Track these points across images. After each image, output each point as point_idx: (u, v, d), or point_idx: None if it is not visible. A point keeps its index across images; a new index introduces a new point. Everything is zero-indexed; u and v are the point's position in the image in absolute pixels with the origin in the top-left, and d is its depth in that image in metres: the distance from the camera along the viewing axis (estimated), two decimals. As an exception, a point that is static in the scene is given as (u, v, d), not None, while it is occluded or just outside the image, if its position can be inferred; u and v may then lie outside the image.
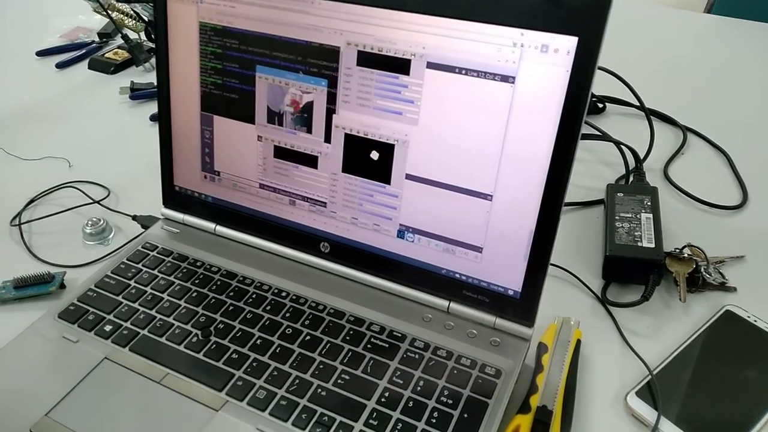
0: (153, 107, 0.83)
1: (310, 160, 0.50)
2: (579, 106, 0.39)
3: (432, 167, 0.45)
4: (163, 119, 0.55)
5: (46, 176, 0.69)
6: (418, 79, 0.43)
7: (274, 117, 0.50)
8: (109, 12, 0.93)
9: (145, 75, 0.92)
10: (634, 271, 0.53)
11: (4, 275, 0.55)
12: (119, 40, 0.98)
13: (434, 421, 0.41)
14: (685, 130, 0.74)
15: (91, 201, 0.65)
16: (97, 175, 0.69)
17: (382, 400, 0.42)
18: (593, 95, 0.78)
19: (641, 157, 0.68)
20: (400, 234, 0.48)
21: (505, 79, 0.41)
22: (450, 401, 0.42)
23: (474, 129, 0.43)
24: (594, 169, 0.68)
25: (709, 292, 0.53)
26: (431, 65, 0.43)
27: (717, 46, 0.97)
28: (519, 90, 0.41)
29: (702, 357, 0.47)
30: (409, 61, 0.43)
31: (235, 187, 0.54)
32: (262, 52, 0.48)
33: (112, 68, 0.93)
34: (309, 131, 0.49)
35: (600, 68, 0.80)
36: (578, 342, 0.48)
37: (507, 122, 0.42)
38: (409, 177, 0.46)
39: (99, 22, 1.03)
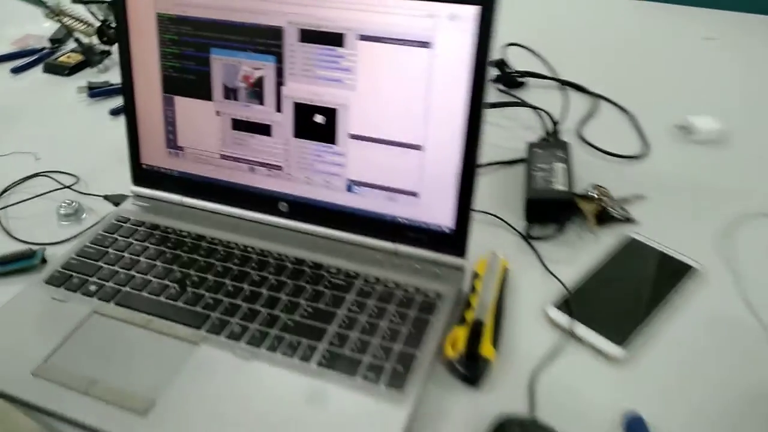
0: (111, 103, 0.88)
1: (265, 129, 0.57)
2: (485, 63, 0.47)
3: (371, 126, 0.53)
4: (128, 103, 0.61)
5: (15, 169, 0.73)
6: (353, 50, 0.51)
7: (230, 93, 0.56)
8: (61, 18, 0.97)
9: (100, 75, 0.97)
10: (550, 210, 0.62)
11: (-14, 256, 0.60)
12: (71, 45, 1.02)
13: (387, 337, 0.48)
14: (596, 96, 0.84)
15: (62, 186, 0.70)
16: (65, 166, 0.74)
17: (342, 324, 0.50)
18: (515, 71, 0.87)
19: (556, 121, 0.77)
20: (349, 188, 0.56)
21: (423, 45, 0.49)
22: (399, 320, 0.50)
23: (403, 90, 0.51)
24: (517, 134, 0.77)
25: (616, 225, 0.62)
26: (363, 37, 0.50)
27: (623, 24, 1.08)
28: (436, 54, 0.49)
29: (608, 274, 0.56)
30: (343, 35, 0.51)
31: (198, 159, 0.61)
32: (215, 36, 0.55)
33: (67, 71, 0.97)
34: (261, 103, 0.56)
35: (520, 45, 0.89)
36: (506, 270, 0.56)
37: (429, 82, 0.50)
38: (352, 136, 0.54)
39: (48, 29, 1.07)
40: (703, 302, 0.54)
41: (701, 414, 0.45)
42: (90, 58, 0.97)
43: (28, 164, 0.75)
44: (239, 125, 0.57)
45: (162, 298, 0.53)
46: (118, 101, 0.88)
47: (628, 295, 0.54)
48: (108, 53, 0.99)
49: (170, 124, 0.60)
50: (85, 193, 0.69)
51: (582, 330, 0.51)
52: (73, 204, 0.66)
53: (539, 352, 0.50)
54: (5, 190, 0.70)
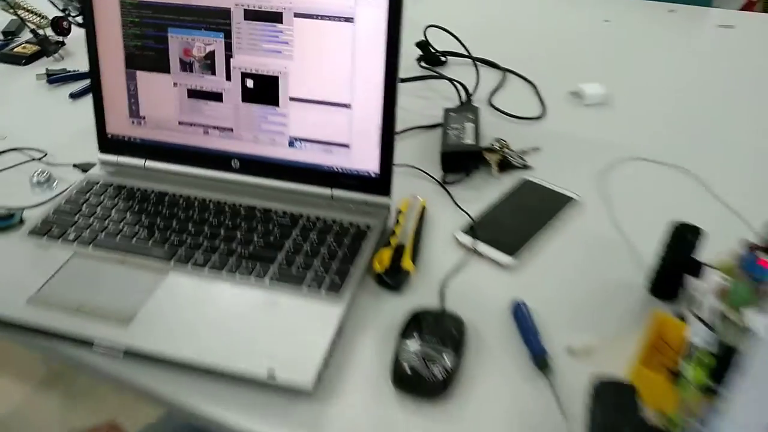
0: (70, 88, 0.95)
1: (217, 97, 0.67)
2: (397, 34, 0.59)
3: (307, 89, 0.64)
4: (94, 80, 0.70)
5: (-15, 147, 0.81)
6: (289, 26, 0.62)
7: (185, 66, 0.66)
8: (17, 11, 1.04)
9: (56, 63, 1.04)
10: (461, 160, 0.74)
11: (-30, 217, 0.67)
12: (24, 37, 1.09)
13: (326, 258, 0.59)
14: (505, 70, 0.98)
15: (31, 159, 0.78)
16: (32, 143, 0.82)
17: (289, 251, 0.60)
18: (436, 50, 1.00)
19: (470, 91, 0.90)
20: (291, 143, 0.67)
21: (348, 20, 0.60)
22: (336, 246, 0.61)
23: (332, 58, 0.62)
24: (437, 103, 0.88)
25: (514, 171, 0.75)
26: (297, 15, 0.61)
27: (535, 9, 1.22)
28: (357, 27, 0.60)
29: (505, 207, 0.69)
30: (281, 13, 0.61)
31: (159, 126, 0.70)
32: (172, 17, 0.65)
33: (24, 60, 1.04)
34: (213, 74, 0.66)
35: (441, 28, 1.02)
36: (424, 207, 0.68)
37: (353, 50, 0.61)
38: (291, 99, 0.64)
39: (0, 22, 1.13)
40: (580, 224, 0.67)
41: (570, 301, 0.58)
42: (46, 48, 1.04)
43: (-3, 142, 0.82)
44: (194, 94, 0.67)
45: (133, 241, 0.62)
46: (76, 86, 0.95)
47: (520, 221, 0.67)
48: (62, 43, 1.06)
49: (133, 96, 0.69)
50: (54, 164, 0.77)
51: (482, 247, 0.63)
52: (45, 173, 0.74)
53: (449, 265, 0.62)
54: (-21, 165, 0.77)
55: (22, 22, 1.05)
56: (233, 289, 0.57)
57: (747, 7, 2.29)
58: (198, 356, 0.50)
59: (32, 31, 1.04)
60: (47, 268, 0.59)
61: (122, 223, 0.64)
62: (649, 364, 0.47)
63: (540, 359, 0.51)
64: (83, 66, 0.99)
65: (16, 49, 1.06)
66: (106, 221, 0.65)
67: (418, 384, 0.49)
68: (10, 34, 1.12)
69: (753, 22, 1.17)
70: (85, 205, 0.67)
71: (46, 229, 0.64)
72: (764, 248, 0.41)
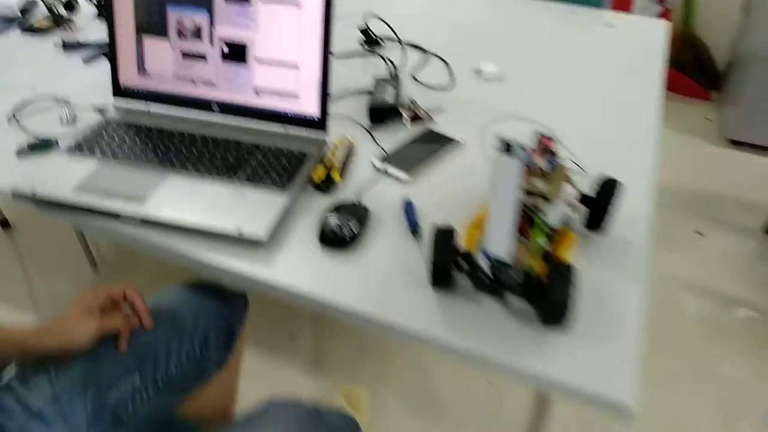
0: (82, 54, 1.20)
1: (203, 57, 0.92)
2: (330, 16, 0.85)
3: (268, 52, 0.90)
4: (111, 42, 0.95)
5: (19, 96, 1.05)
6: (255, 8, 0.88)
7: (180, 34, 0.92)
8: (36, -9, 1.27)
9: (67, 35, 1.28)
10: (383, 113, 1.01)
11: (20, 143, 0.92)
12: (38, 13, 1.33)
13: (279, 170, 0.86)
14: (429, 53, 1.25)
15: (59, 102, 1.03)
16: (56, 94, 1.06)
17: (253, 164, 0.86)
18: (375, 35, 1.27)
19: (397, 67, 1.17)
20: (256, 93, 0.93)
21: (296, 5, 0.86)
22: (287, 163, 0.87)
23: (286, 31, 0.88)
24: (371, 74, 1.15)
25: (422, 123, 1.02)
26: (262, 1, 0.87)
27: (457, 3, 1.50)
28: (303, 10, 0.86)
29: (411, 144, 0.96)
30: (250, -1, 0.88)
31: (159, 79, 0.95)
32: None
33: (41, 31, 1.28)
34: (201, 41, 0.91)
35: (379, 18, 1.28)
36: (352, 143, 0.95)
37: (300, 26, 0.87)
38: (256, 60, 0.91)
39: (15, 2, 1.36)
40: (459, 157, 0.95)
41: (441, 201, 0.85)
42: (59, 23, 1.28)
43: (28, 93, 1.06)
44: (186, 55, 0.93)
45: (143, 155, 0.88)
46: (87, 53, 1.20)
47: (419, 154, 0.94)
48: (72, 20, 1.30)
49: (140, 55, 0.95)
50: (77, 107, 1.02)
51: (390, 169, 0.90)
52: (71, 113, 0.99)
53: (366, 180, 0.89)
54: (18, 108, 1.02)
55: (43, 2, 1.28)
56: (213, 186, 0.83)
57: (663, 15, 2.62)
58: (191, 221, 0.76)
59: (48, 7, 1.27)
60: (83, 172, 0.85)
61: (134, 146, 0.90)
62: (472, 226, 0.74)
63: (414, 230, 0.78)
64: (91, 37, 1.25)
65: (34, 24, 1.30)
66: (122, 145, 0.90)
67: (334, 240, 0.76)
68: (25, 11, 1.35)
69: (630, 22, 1.46)
70: (105, 134, 0.92)
71: (79, 149, 0.89)
72: (537, 149, 0.68)
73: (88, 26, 1.32)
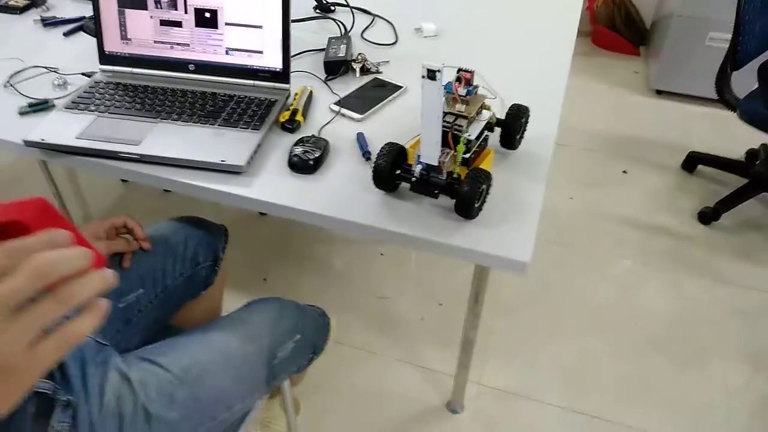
0: (62, 29, 1.33)
1: (179, 24, 1.08)
2: (286, -17, 1.02)
3: (236, 17, 1.06)
4: (96, 14, 1.09)
5: (10, 67, 1.18)
6: (223, -22, 1.04)
7: (157, 4, 1.07)
8: (12, -28, 1.39)
9: (44, 13, 1.40)
10: (336, 66, 1.19)
11: (20, 105, 1.06)
12: (15, -7, 1.44)
13: (251, 115, 1.02)
14: (375, 15, 1.42)
15: (49, 70, 1.17)
16: (43, 64, 1.20)
17: (228, 111, 1.03)
18: (327, 0, 1.43)
19: (348, 28, 1.34)
20: (227, 52, 1.09)
21: (257, -25, 1.02)
22: (257, 108, 1.04)
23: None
24: (326, 35, 1.32)
25: (372, 74, 1.20)
26: (227, -28, 1.03)
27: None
28: (263, -21, 1.03)
29: (361, 91, 1.14)
30: (217, -29, 1.03)
31: (141, 45, 1.10)
32: (148, -27, 1.05)
33: (19, 10, 1.40)
34: (176, 9, 1.07)
35: (328, -13, 1.44)
36: (311, 92, 1.12)
37: (262, -7, 1.04)
38: (227, 23, 1.06)
39: (-7, -18, 1.47)
40: (403, 99, 1.13)
41: (389, 134, 1.03)
42: (35, 1, 1.40)
43: (16, 65, 1.20)
44: (164, 23, 1.08)
45: (132, 109, 1.03)
46: (66, 27, 1.33)
47: (369, 98, 1.12)
48: (47, -2, 1.43)
49: (123, 25, 1.09)
50: (66, 74, 1.16)
51: (344, 111, 1.08)
52: (61, 78, 1.13)
53: (319, 120, 1.06)
54: (11, 77, 1.15)
55: (18, -19, 1.40)
56: (197, 130, 0.99)
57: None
58: (183, 156, 0.93)
59: (25, -13, 1.39)
60: (83, 124, 1.00)
61: (124, 101, 1.05)
62: (411, 147, 0.93)
63: (366, 155, 0.97)
64: (67, 14, 1.39)
65: (9, 2, 1.42)
66: (113, 101, 1.05)
67: (300, 166, 0.94)
68: (3, -10, 1.47)
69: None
70: (96, 93, 1.07)
71: (75, 106, 1.04)
72: (459, 79, 0.87)
73: (61, 4, 1.45)
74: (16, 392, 0.40)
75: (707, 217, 2.00)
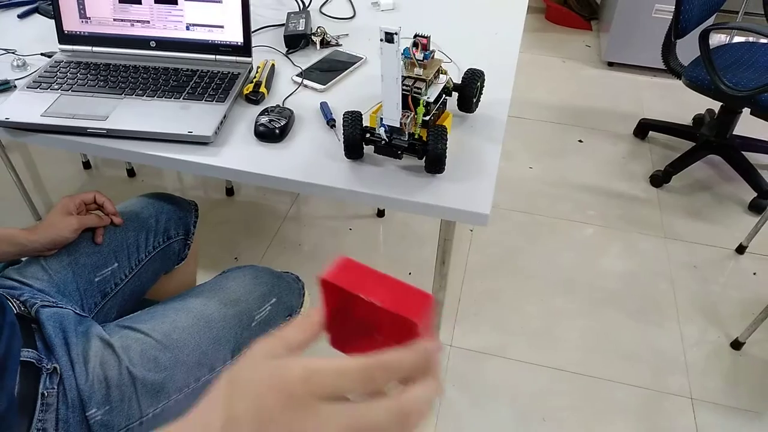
0: (16, 11, 1.31)
1: (138, 1, 1.08)
2: (244, -43, 1.04)
3: (194, -7, 1.07)
4: (53, -6, 1.09)
5: (-32, 48, 1.17)
6: (180, -46, 1.05)
7: (116, -18, 1.07)
8: (-40, -45, 1.36)
9: (-3, -4, 1.38)
10: (296, 40, 1.21)
11: (-20, 83, 1.06)
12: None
13: (215, 88, 1.04)
14: (332, -9, 1.45)
15: (6, 51, 1.16)
16: (2, 45, 1.19)
17: (192, 85, 1.04)
18: (284, -22, 1.44)
19: (307, 3, 1.36)
20: (187, 28, 1.10)
21: (215, -51, 1.04)
22: (221, 82, 1.06)
23: (208, -27, 1.06)
24: (285, 11, 1.34)
25: (331, 47, 1.23)
26: (184, -53, 1.04)
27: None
28: (221, -47, 1.04)
29: (323, 63, 1.17)
30: (174, -54, 1.04)
31: (100, 23, 1.11)
32: (104, -49, 1.05)
33: (-31, -6, 1.37)
34: (135, -14, 1.07)
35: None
36: (273, 65, 1.14)
37: (220, -32, 1.05)
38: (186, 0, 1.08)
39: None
40: (363, 70, 1.16)
41: (350, 102, 1.06)
42: (-13, -16, 1.38)
43: (-26, 46, 1.19)
44: (123, 0, 1.08)
45: (96, 86, 1.04)
46: (21, 9, 1.31)
47: (330, 69, 1.15)
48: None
49: (81, 4, 1.09)
50: (25, 55, 1.16)
51: (306, 82, 1.11)
52: (21, 59, 1.13)
53: (283, 92, 1.09)
54: (-30, 57, 1.14)
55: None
56: (162, 103, 1.01)
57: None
58: (150, 129, 0.95)
59: (-25, -29, 1.37)
60: (47, 102, 1.00)
61: (86, 79, 1.06)
62: (373, 112, 0.97)
63: (330, 123, 1.00)
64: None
65: (-40, -13, 1.39)
66: (76, 79, 1.06)
67: (267, 135, 0.96)
68: (-50, -24, 1.44)
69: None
70: (58, 72, 1.07)
71: (37, 85, 1.04)
72: (416, 44, 0.91)
73: (15, -14, 1.43)
74: None
75: (659, 180, 2.09)
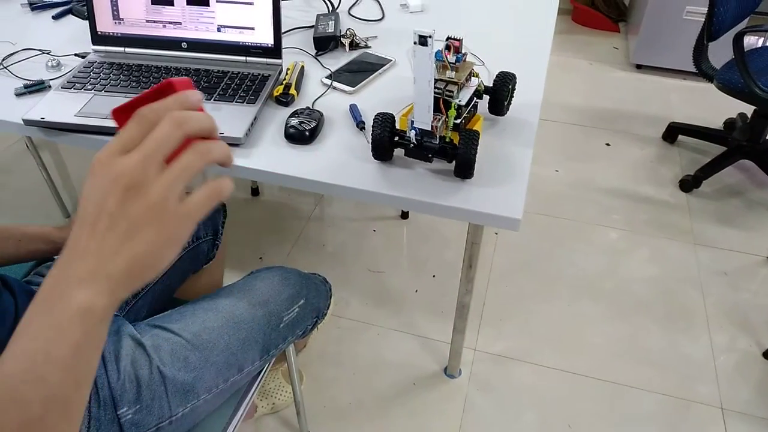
0: (50, 13, 1.33)
1: (171, 2, 1.09)
2: (276, -41, 1.04)
3: (226, -5, 1.08)
4: (87, -5, 1.11)
5: (2, 52, 1.19)
6: (213, -44, 1.05)
7: (149, -16, 1.08)
8: (-3, -43, 1.39)
9: (32, -3, 1.40)
10: (326, 42, 1.21)
11: (16, 86, 1.08)
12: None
13: (246, 89, 1.05)
14: (360, -8, 1.45)
15: (42, 52, 1.18)
16: (35, 47, 1.20)
17: (223, 87, 1.05)
18: (313, -20, 1.45)
19: (336, 5, 1.36)
20: (218, 29, 1.10)
21: (247, -49, 1.04)
22: (251, 84, 1.06)
23: (240, -25, 1.06)
24: (314, 13, 1.34)
25: (361, 49, 1.23)
26: (217, -51, 1.05)
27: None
28: (253, -45, 1.04)
29: (352, 65, 1.16)
30: (207, -52, 1.05)
31: (133, 24, 1.12)
32: (139, -47, 1.07)
33: (6, -4, 1.40)
34: (168, -12, 1.08)
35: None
36: (303, 67, 1.14)
37: (252, -30, 1.05)
38: (218, 1, 1.08)
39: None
40: (392, 72, 1.16)
41: (380, 104, 1.06)
42: (22, -15, 1.41)
43: (8, 48, 1.21)
44: (156, 2, 1.09)
45: (129, 86, 1.05)
46: (55, 11, 1.34)
47: (360, 72, 1.15)
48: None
49: (114, 5, 1.11)
50: (59, 56, 1.17)
51: (336, 84, 1.11)
52: (55, 60, 1.15)
53: (312, 94, 1.09)
54: (3, 60, 1.16)
55: (3, -33, 1.40)
56: (194, 105, 1.01)
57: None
58: (181, 130, 0.95)
59: (11, -27, 1.39)
60: (80, 102, 1.01)
61: (119, 80, 1.07)
62: (403, 115, 0.96)
63: (359, 125, 1.00)
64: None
65: (-3, -12, 1.42)
66: (109, 79, 1.07)
67: (297, 137, 0.96)
68: (-13, -23, 1.46)
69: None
70: (91, 72, 1.09)
71: (71, 85, 1.05)
72: (449, 47, 0.90)
73: (49, -12, 1.45)
74: (173, 247, 0.43)
75: (688, 185, 2.05)
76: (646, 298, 1.71)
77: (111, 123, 0.95)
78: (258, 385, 0.97)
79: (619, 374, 1.52)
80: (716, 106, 2.42)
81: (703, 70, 1.98)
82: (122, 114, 0.46)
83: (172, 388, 0.81)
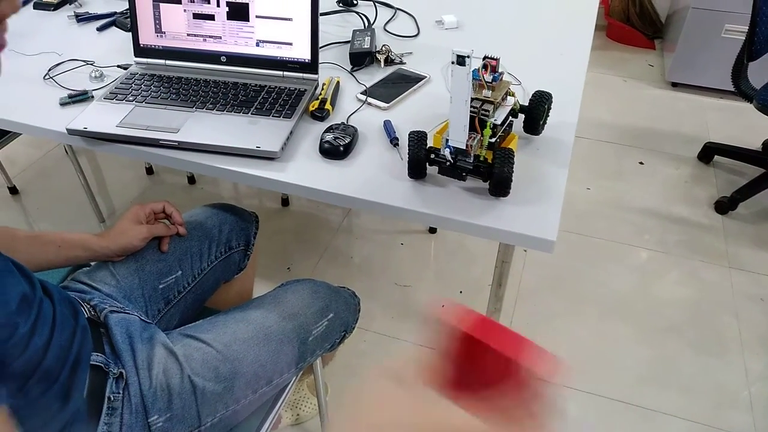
0: (95, 24, 1.37)
1: (211, 17, 1.12)
2: (315, -24, 1.06)
3: (266, 10, 1.10)
4: (132, 9, 1.14)
5: (49, 61, 1.23)
6: (254, -28, 1.07)
7: (192, -2, 1.11)
8: (47, -30, 1.44)
9: (77, 9, 1.45)
10: (362, 58, 1.22)
11: (60, 96, 1.11)
12: (49, -9, 1.49)
13: (282, 104, 1.06)
14: (397, 9, 1.46)
15: (86, 63, 1.21)
16: (80, 57, 1.24)
17: (261, 101, 1.07)
18: (349, -5, 1.47)
19: (371, 20, 1.37)
20: (257, 44, 1.12)
21: (287, -32, 1.06)
22: (288, 98, 1.08)
23: (279, -9, 1.08)
24: (350, 29, 1.36)
25: (396, 65, 1.23)
26: (258, -34, 1.07)
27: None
28: (293, -28, 1.06)
29: (387, 81, 1.17)
30: (249, -35, 1.07)
31: (174, 38, 1.15)
32: (182, -31, 1.09)
33: (53, 7, 1.45)
34: (209, 3, 1.11)
35: (351, -19, 1.48)
36: (338, 82, 1.15)
37: (291, -14, 1.07)
38: (257, 16, 1.10)
39: (27, -20, 1.52)
40: (427, 89, 1.16)
41: (414, 121, 1.07)
42: (69, -2, 1.45)
43: (54, 59, 1.24)
44: (197, 16, 1.12)
45: (168, 99, 1.07)
46: (99, 23, 1.38)
47: (394, 88, 1.15)
48: (81, -5, 1.48)
49: (157, 19, 1.14)
50: (103, 66, 1.21)
51: (371, 100, 1.11)
52: (98, 71, 1.18)
53: (347, 109, 1.10)
54: (50, 70, 1.20)
55: (52, -21, 1.45)
56: (231, 118, 1.03)
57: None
58: (219, 142, 0.97)
59: (59, -15, 1.44)
60: (122, 113, 1.04)
61: (160, 92, 1.09)
62: (438, 132, 0.96)
63: (393, 141, 1.00)
64: (99, 9, 1.43)
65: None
66: (150, 91, 1.10)
67: (332, 152, 0.97)
68: (36, -11, 1.52)
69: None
70: (133, 84, 1.12)
71: (113, 96, 1.08)
72: (485, 66, 0.90)
73: (94, 0, 1.50)
74: None
75: (724, 206, 2.01)
76: (677, 321, 1.68)
77: (152, 134, 0.97)
78: (285, 396, 0.98)
79: (649, 399, 1.49)
80: (755, 127, 2.37)
81: (742, 90, 1.94)
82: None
83: (201, 397, 0.82)
